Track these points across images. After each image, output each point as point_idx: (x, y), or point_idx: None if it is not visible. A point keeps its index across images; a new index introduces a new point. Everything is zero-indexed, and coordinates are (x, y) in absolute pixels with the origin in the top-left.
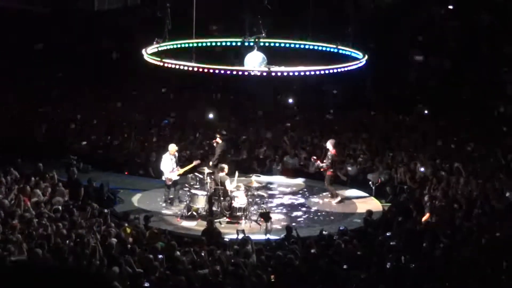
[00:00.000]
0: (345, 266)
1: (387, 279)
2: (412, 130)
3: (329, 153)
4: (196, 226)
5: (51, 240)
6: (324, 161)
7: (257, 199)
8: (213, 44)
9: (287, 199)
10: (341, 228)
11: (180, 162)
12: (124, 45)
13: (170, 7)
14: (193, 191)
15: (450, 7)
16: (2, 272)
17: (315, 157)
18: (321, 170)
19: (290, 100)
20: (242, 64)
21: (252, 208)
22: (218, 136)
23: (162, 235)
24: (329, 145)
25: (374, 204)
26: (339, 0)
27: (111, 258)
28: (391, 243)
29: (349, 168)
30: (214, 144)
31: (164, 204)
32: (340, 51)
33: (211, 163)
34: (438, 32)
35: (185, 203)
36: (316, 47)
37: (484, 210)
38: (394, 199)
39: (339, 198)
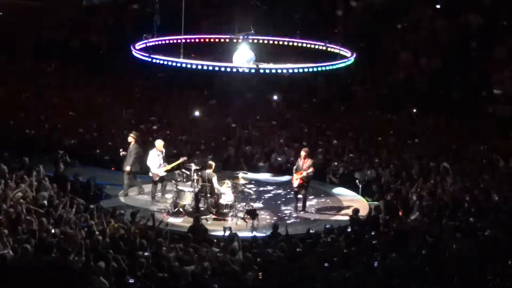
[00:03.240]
0: (326, 264)
1: (373, 278)
2: (400, 129)
3: (304, 162)
4: (182, 222)
5: (36, 235)
6: (308, 171)
7: (243, 196)
8: (202, 40)
9: (274, 197)
10: (327, 227)
11: (167, 158)
12: (113, 41)
13: (159, 2)
14: (179, 187)
15: (438, 6)
16: None
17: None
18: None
19: (275, 97)
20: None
21: (239, 205)
22: (132, 136)
23: (149, 231)
24: (303, 154)
25: (361, 203)
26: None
27: (97, 254)
28: (377, 242)
29: (368, 172)
30: (122, 154)
31: (150, 200)
32: (329, 49)
33: (128, 167)
34: (427, 31)
35: (171, 199)
36: (304, 45)
37: (471, 210)
38: (381, 197)
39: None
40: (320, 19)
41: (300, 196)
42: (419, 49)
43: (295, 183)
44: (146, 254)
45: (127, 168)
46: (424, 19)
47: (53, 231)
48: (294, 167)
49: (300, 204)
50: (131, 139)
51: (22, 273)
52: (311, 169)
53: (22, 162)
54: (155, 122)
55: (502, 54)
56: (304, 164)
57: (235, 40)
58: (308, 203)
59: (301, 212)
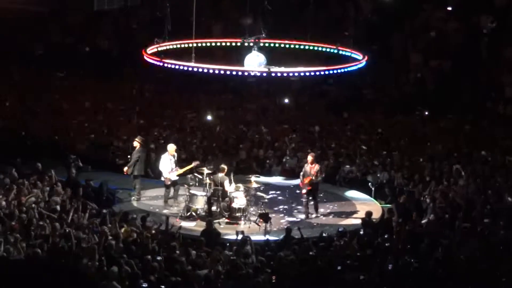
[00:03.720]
0: (339, 268)
1: (387, 281)
2: (412, 132)
3: (311, 167)
4: (195, 226)
5: (49, 241)
6: (318, 177)
7: (256, 200)
8: (213, 44)
9: (286, 200)
10: (340, 230)
11: (179, 162)
12: (123, 45)
13: (170, 7)
14: (192, 191)
15: (449, 8)
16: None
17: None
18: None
19: (286, 100)
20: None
21: (252, 209)
22: (137, 141)
23: (161, 235)
24: (310, 159)
25: (373, 206)
26: (339, 2)
27: (110, 258)
28: (391, 245)
29: (381, 175)
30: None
31: (163, 204)
32: (340, 52)
33: (125, 168)
34: (437, 33)
35: (184, 203)
36: (316, 48)
37: (483, 212)
38: (394, 200)
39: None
40: (329, 21)
41: (311, 201)
42: (430, 51)
43: (304, 189)
44: (158, 258)
45: (125, 169)
46: (435, 21)
47: (67, 230)
48: (301, 173)
49: (311, 210)
50: (136, 143)
51: (34, 277)
52: (320, 174)
53: (34, 167)
54: (165, 128)
55: None
56: (312, 169)
57: (246, 44)
58: (321, 206)
59: (313, 216)
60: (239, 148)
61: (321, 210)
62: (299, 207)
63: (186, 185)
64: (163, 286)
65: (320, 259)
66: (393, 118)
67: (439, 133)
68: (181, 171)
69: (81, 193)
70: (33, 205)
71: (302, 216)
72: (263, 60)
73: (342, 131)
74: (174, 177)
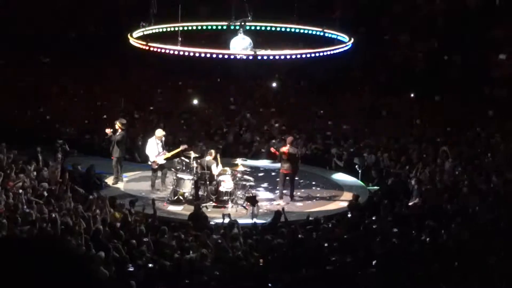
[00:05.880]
0: (326, 250)
1: (374, 263)
2: (399, 113)
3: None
4: (182, 210)
5: (36, 226)
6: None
7: (243, 183)
8: (199, 28)
9: (273, 183)
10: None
11: (167, 147)
12: (110, 29)
13: None
14: (179, 175)
15: None
16: None
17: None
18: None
19: (273, 84)
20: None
21: (239, 192)
22: (117, 125)
23: (149, 219)
24: (288, 143)
25: (360, 188)
26: None
27: (98, 243)
28: (378, 227)
29: (367, 157)
30: (107, 132)
31: (150, 188)
32: (326, 35)
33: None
34: (424, 14)
35: (171, 187)
36: (302, 31)
37: (470, 193)
38: (381, 182)
39: (282, 201)
40: (316, 3)
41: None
42: (417, 32)
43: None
44: (145, 240)
45: (116, 155)
46: (422, 1)
47: (53, 215)
48: None
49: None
50: (117, 127)
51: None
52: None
53: (34, 150)
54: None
55: (500, 36)
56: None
57: (232, 27)
58: (307, 189)
59: (275, 204)
60: (226, 132)
61: (310, 192)
62: (285, 191)
63: (173, 169)
64: (150, 265)
65: (308, 242)
66: (380, 99)
67: (427, 114)
68: (168, 155)
69: (68, 178)
70: (21, 191)
71: (289, 198)
72: (249, 43)
73: (329, 114)
74: (161, 161)
